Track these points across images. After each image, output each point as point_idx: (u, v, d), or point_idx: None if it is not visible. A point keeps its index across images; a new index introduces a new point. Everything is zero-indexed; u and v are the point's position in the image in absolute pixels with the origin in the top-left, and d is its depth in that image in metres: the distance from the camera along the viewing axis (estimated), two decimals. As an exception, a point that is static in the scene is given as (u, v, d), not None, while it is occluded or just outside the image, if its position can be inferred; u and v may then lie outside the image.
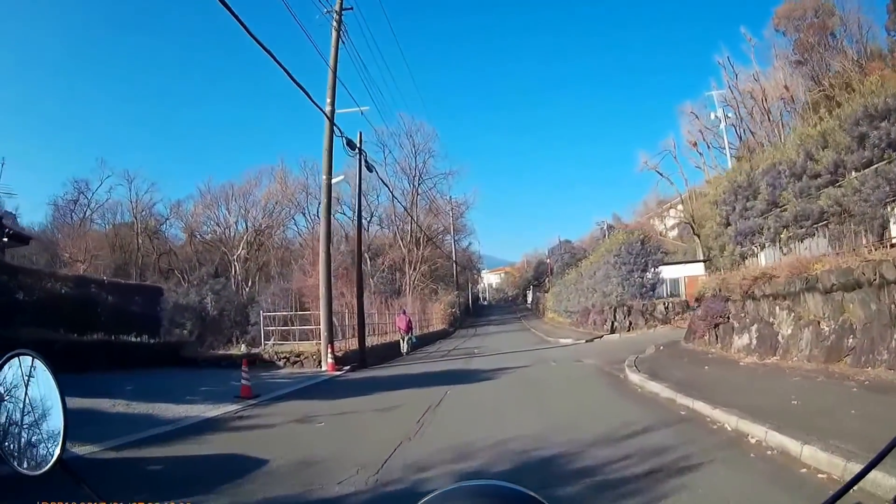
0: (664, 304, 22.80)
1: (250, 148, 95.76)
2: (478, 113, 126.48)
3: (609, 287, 23.72)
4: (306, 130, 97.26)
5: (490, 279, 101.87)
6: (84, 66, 65.82)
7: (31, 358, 1.26)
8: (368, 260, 47.49)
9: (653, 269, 23.16)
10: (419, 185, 48.24)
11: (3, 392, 1.25)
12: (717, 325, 11.60)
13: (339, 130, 14.22)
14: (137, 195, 44.65)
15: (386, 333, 23.79)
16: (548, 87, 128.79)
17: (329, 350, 13.45)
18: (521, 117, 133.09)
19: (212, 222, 48.02)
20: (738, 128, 31.87)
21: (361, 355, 14.73)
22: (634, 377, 8.99)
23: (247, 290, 32.77)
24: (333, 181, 14.39)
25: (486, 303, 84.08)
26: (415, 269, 43.60)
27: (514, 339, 25.78)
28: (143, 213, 44.65)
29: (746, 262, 13.33)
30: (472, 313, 58.28)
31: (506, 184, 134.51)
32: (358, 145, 15.39)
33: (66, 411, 1.23)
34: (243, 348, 15.11)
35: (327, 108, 14.17)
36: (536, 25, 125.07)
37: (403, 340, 20.64)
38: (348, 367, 13.87)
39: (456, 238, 55.53)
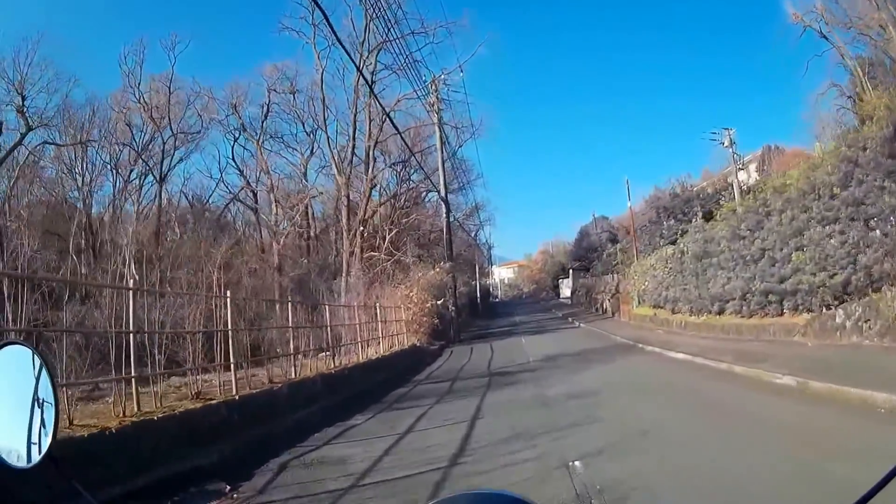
0: None
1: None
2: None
3: None
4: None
5: (501, 273, 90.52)
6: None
7: (23, 348, 1.20)
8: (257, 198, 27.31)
9: None
10: (372, 54, 24.20)
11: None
12: None
13: None
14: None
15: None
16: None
17: None
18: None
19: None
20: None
21: None
22: None
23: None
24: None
25: (497, 300, 68.53)
26: (360, 214, 22.49)
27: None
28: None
29: None
30: (482, 313, 40.84)
31: (510, 177, 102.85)
32: None
33: (59, 405, 1.18)
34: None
35: None
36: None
37: None
38: None
39: (450, 189, 30.83)
